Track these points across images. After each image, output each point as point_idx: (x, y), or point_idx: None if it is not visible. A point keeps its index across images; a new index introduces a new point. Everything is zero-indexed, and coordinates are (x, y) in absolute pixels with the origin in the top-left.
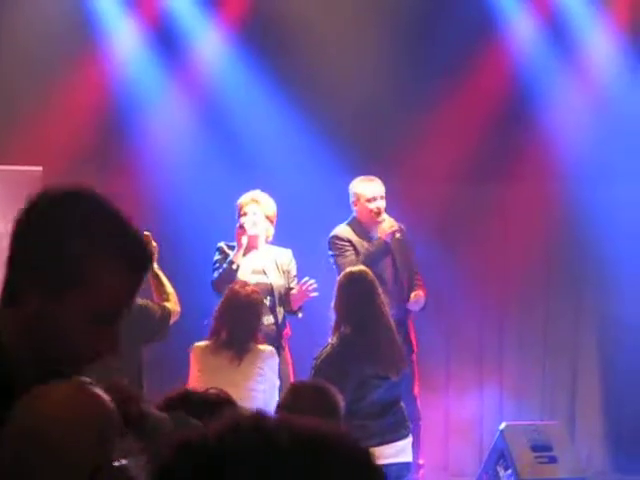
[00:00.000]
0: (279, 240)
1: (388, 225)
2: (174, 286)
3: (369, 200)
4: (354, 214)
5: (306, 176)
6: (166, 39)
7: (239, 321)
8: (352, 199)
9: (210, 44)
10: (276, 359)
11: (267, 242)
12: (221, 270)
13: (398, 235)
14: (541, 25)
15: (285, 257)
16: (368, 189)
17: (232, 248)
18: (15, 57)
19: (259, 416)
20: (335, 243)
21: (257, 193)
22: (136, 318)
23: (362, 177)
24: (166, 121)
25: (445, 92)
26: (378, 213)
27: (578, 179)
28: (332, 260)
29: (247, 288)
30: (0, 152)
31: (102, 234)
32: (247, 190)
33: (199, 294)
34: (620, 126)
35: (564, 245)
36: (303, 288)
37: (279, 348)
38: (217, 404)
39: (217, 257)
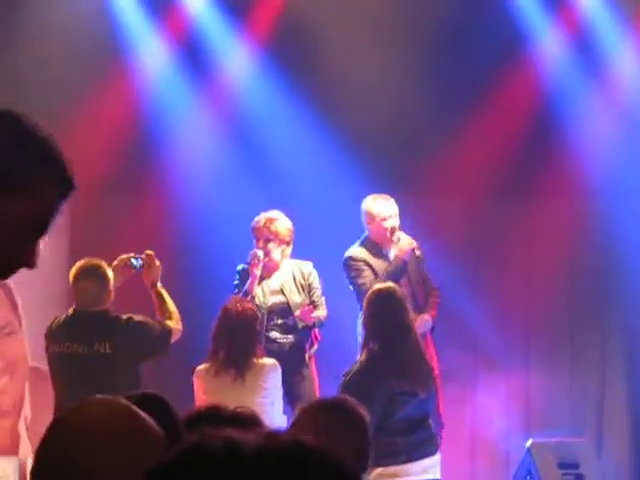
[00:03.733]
0: (302, 253)
1: (407, 243)
2: (202, 305)
3: (384, 219)
4: (367, 233)
5: (330, 191)
6: (193, 55)
7: (235, 340)
8: (365, 218)
9: (236, 60)
10: (278, 371)
11: (284, 258)
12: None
13: (418, 253)
14: (568, 41)
15: (304, 271)
16: (383, 208)
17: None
18: (40, 75)
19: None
20: (351, 264)
21: (270, 215)
22: (134, 334)
23: (375, 196)
24: (192, 138)
25: (471, 108)
26: (392, 232)
27: (605, 196)
28: (349, 281)
29: (238, 305)
30: None
31: (37, 152)
32: (273, 205)
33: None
34: None
35: (589, 260)
36: (305, 309)
37: (302, 366)
38: (248, 422)
39: (236, 282)
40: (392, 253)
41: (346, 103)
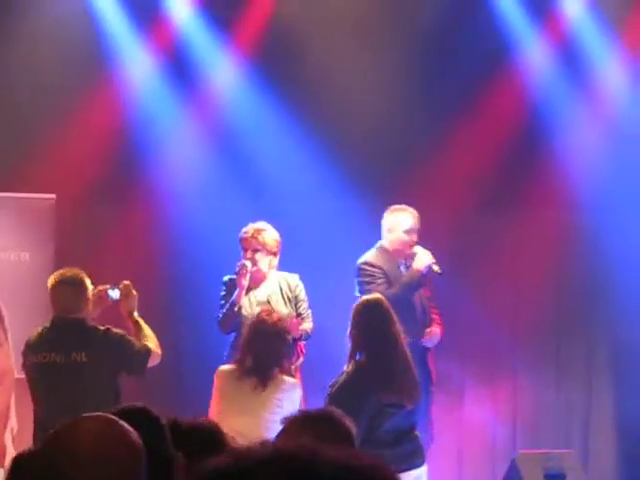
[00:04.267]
0: (290, 265)
1: (427, 257)
2: (187, 314)
3: (407, 232)
4: (383, 242)
5: (317, 202)
6: (179, 65)
7: (265, 348)
8: (387, 226)
9: (223, 71)
10: (298, 391)
11: (271, 269)
12: (225, 310)
13: (436, 268)
14: (555, 51)
15: (291, 283)
16: (407, 220)
17: (235, 282)
18: (28, 84)
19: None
20: (366, 270)
21: (258, 226)
22: (112, 345)
23: (399, 207)
24: (179, 148)
25: (458, 118)
26: (412, 245)
27: (591, 207)
28: (360, 287)
29: (273, 315)
30: (13, 180)
31: None
32: (260, 217)
33: (209, 328)
34: (634, 153)
35: (576, 271)
36: (293, 321)
37: None
38: (207, 433)
39: (222, 292)
40: (403, 267)
41: (333, 113)
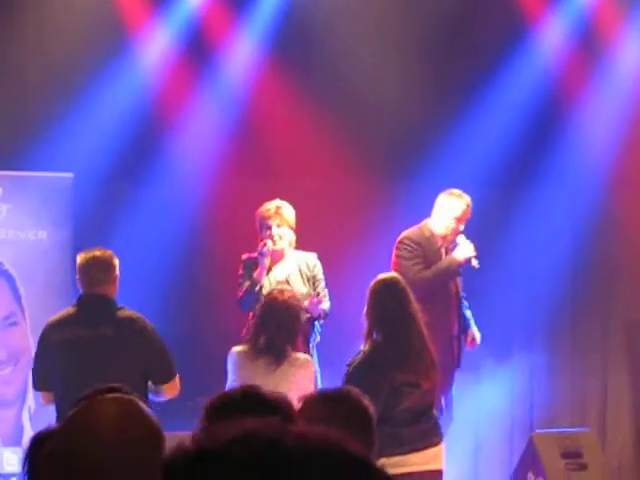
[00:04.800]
0: (306, 246)
1: (470, 250)
2: (209, 296)
3: (457, 219)
4: (430, 222)
5: (331, 184)
6: (196, 46)
7: (278, 326)
8: (439, 208)
9: (239, 51)
10: (312, 368)
11: (290, 247)
12: (246, 289)
13: (475, 263)
14: (571, 35)
15: (309, 262)
16: (459, 207)
17: (255, 261)
18: (43, 62)
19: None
20: (406, 244)
21: (278, 203)
22: (143, 335)
23: (456, 192)
24: (196, 128)
25: (472, 100)
26: (458, 233)
27: (606, 184)
28: (397, 260)
29: (285, 293)
30: (31, 159)
31: None
32: (273, 199)
33: (227, 307)
34: None
35: (591, 250)
36: (314, 300)
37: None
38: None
39: (241, 271)
40: (443, 252)
41: (348, 95)
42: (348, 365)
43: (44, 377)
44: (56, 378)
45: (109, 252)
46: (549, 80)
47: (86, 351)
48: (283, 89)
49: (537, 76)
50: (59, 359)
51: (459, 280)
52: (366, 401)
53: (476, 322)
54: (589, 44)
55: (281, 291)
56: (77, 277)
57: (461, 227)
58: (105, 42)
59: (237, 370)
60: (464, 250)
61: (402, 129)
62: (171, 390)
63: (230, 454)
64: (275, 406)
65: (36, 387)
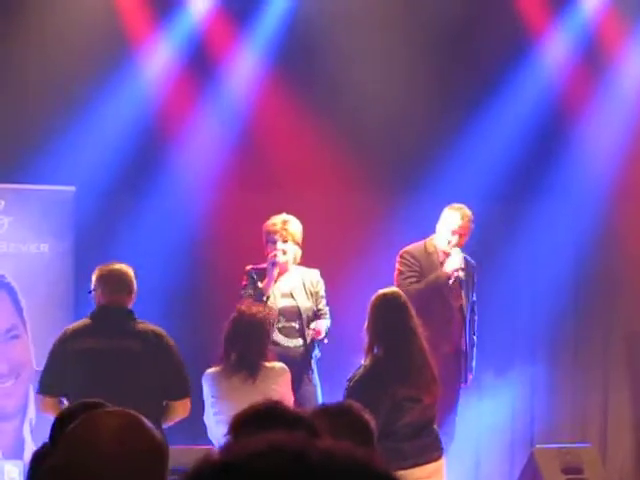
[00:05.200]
0: (307, 260)
1: (458, 261)
2: (211, 308)
3: (451, 231)
4: (435, 236)
5: (333, 196)
6: (199, 58)
7: (247, 342)
8: (439, 222)
9: (241, 63)
10: (288, 375)
11: (295, 264)
12: (249, 298)
13: (461, 274)
14: (575, 48)
15: (313, 278)
16: (454, 220)
17: (260, 272)
18: (44, 75)
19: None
20: (404, 259)
21: (285, 217)
22: (162, 351)
23: (456, 205)
24: (198, 140)
25: (476, 113)
26: (451, 245)
27: (609, 199)
28: (396, 274)
29: (253, 308)
30: (32, 172)
31: None
32: (278, 210)
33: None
34: None
35: (594, 262)
36: (314, 331)
37: (308, 370)
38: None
39: (245, 282)
40: (446, 264)
41: (351, 105)
42: (349, 380)
43: (55, 383)
44: (73, 386)
45: (128, 267)
46: (552, 93)
47: (110, 362)
48: (285, 102)
49: (541, 89)
50: (80, 367)
51: (463, 294)
52: (367, 415)
53: (477, 335)
54: (592, 57)
55: (249, 306)
56: (95, 289)
57: (454, 239)
58: (108, 54)
59: (215, 391)
60: (453, 261)
61: (405, 142)
62: (182, 409)
63: (255, 467)
64: (298, 420)
65: (42, 391)
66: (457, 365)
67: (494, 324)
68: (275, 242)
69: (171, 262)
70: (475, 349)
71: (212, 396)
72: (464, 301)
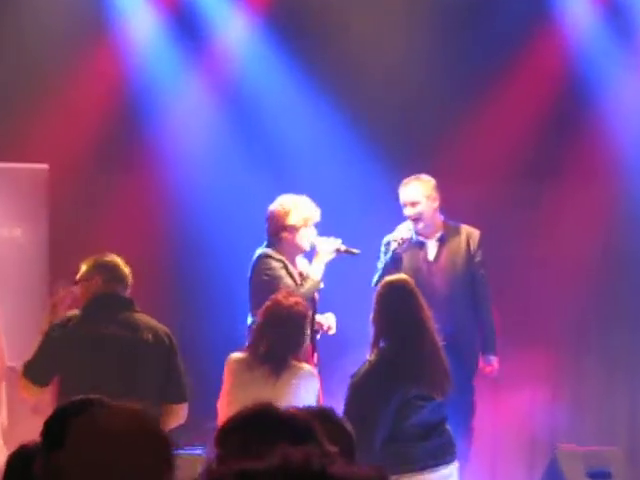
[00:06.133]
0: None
1: (396, 233)
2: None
3: (403, 205)
4: None
5: (341, 176)
6: (186, 22)
7: (280, 334)
8: None
9: (234, 29)
10: (316, 380)
11: None
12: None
13: (394, 245)
14: (599, 10)
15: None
16: (401, 194)
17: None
18: (20, 49)
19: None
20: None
21: (311, 202)
22: (163, 345)
23: (406, 180)
24: (185, 112)
25: (493, 83)
26: (413, 220)
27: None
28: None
29: (291, 299)
30: (5, 149)
31: None
32: (273, 190)
33: (221, 299)
34: None
35: (622, 254)
36: (324, 328)
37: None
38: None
39: (280, 270)
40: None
41: (358, 80)
42: (352, 376)
43: (44, 371)
44: (70, 371)
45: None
46: (576, 65)
47: (121, 349)
48: (288, 70)
49: (564, 60)
50: (83, 353)
51: (445, 279)
52: (347, 425)
53: (497, 330)
54: (618, 25)
55: (287, 295)
56: (88, 279)
57: (408, 212)
58: (86, 22)
59: (233, 379)
60: (394, 233)
61: (418, 116)
62: (178, 414)
63: None
64: (292, 426)
65: (32, 379)
66: (458, 356)
67: (514, 317)
68: (314, 229)
69: (155, 244)
70: (490, 328)
71: (231, 384)
72: (452, 286)
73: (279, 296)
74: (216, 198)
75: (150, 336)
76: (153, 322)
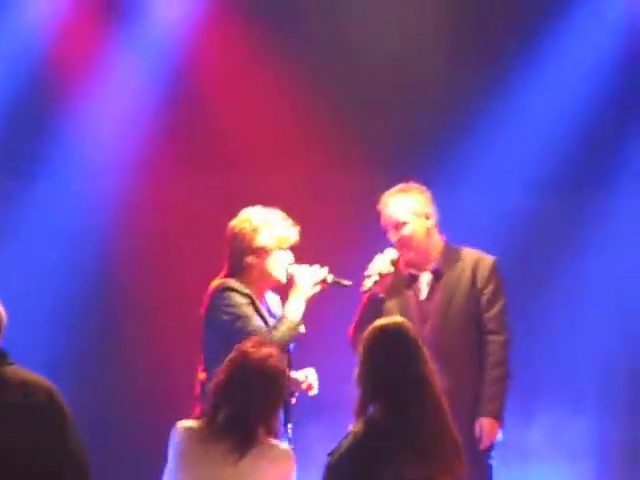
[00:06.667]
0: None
1: (372, 267)
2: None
3: (385, 226)
4: None
5: (320, 178)
6: None
7: (248, 398)
8: None
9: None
10: (292, 466)
11: None
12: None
13: (369, 284)
14: None
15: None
16: (382, 213)
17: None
18: None
19: None
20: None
21: (286, 217)
22: None
23: (391, 190)
24: (110, 97)
25: (514, 72)
26: (399, 245)
27: None
28: None
29: (263, 350)
30: None
31: None
32: (220, 193)
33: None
34: None
35: None
36: (304, 387)
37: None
38: None
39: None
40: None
41: (344, 59)
42: (330, 454)
43: None
44: None
45: None
46: (623, 47)
47: None
48: (249, 48)
49: (611, 39)
50: None
51: (439, 324)
52: None
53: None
54: None
55: (256, 345)
56: None
57: (392, 237)
58: None
59: (181, 457)
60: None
61: (420, 110)
62: None
63: None
64: None
65: None
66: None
67: (545, 356)
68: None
69: (75, 271)
70: (496, 388)
71: (176, 461)
72: (438, 327)
73: (247, 346)
74: (135, 203)
75: (16, 398)
76: (30, 379)
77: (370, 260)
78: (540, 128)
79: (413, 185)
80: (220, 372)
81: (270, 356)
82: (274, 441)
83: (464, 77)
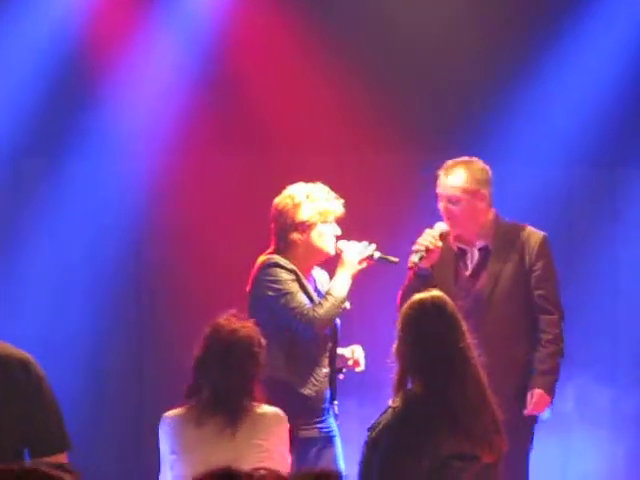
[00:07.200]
0: None
1: (420, 241)
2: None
3: (439, 197)
4: None
5: (348, 154)
6: None
7: (227, 372)
8: None
9: None
10: (285, 426)
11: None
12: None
13: (415, 258)
14: None
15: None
16: (439, 182)
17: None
18: None
19: None
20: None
21: (330, 191)
22: None
23: (449, 162)
24: (146, 79)
25: (542, 51)
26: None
27: None
28: None
29: (234, 322)
30: None
31: None
32: (261, 173)
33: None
34: None
35: None
36: (350, 364)
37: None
38: None
39: (292, 283)
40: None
41: (376, 36)
42: (370, 429)
43: None
44: None
45: None
46: None
47: None
48: (286, 30)
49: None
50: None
51: (483, 301)
52: None
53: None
54: None
55: (228, 318)
56: None
57: (442, 206)
58: None
59: (176, 445)
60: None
61: (449, 85)
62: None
63: None
64: None
65: None
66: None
67: (589, 332)
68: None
69: (110, 251)
70: (550, 364)
71: (172, 452)
72: (482, 305)
73: (219, 320)
74: (180, 180)
75: None
76: (5, 352)
77: (413, 240)
78: (577, 105)
79: (476, 160)
80: (197, 349)
81: (242, 327)
82: (261, 407)
83: (500, 54)
